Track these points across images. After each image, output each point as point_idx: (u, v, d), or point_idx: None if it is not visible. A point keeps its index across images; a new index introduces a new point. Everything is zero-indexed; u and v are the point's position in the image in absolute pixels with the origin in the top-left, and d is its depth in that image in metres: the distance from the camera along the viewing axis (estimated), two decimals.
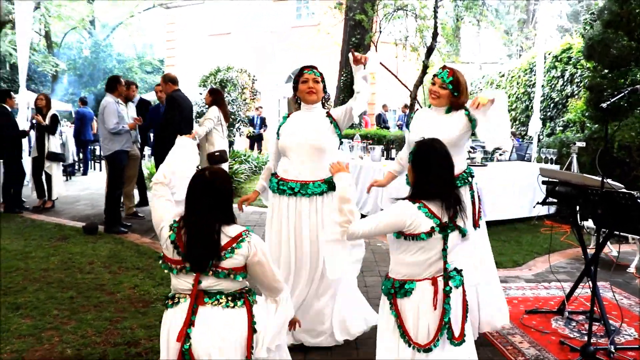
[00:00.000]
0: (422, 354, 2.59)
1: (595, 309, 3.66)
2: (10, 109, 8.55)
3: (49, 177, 8.71)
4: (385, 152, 9.42)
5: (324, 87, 3.76)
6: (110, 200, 7.18)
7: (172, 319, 2.49)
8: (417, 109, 3.90)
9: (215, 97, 7.88)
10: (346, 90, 13.28)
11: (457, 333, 2.65)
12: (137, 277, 5.19)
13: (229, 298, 2.51)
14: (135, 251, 6.18)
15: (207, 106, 8.08)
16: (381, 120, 16.42)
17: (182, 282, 2.50)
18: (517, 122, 16.47)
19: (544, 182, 4.44)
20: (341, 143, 3.87)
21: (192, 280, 2.47)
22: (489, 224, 7.27)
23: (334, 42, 14.48)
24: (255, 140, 17.23)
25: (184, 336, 2.41)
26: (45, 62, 26.30)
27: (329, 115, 3.70)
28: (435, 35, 12.89)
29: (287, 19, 22.30)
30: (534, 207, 4.63)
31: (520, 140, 13.52)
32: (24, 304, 4.40)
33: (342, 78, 13.44)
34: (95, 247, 6.27)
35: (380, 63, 13.57)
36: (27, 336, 3.82)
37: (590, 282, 3.87)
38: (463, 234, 2.69)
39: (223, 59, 22.08)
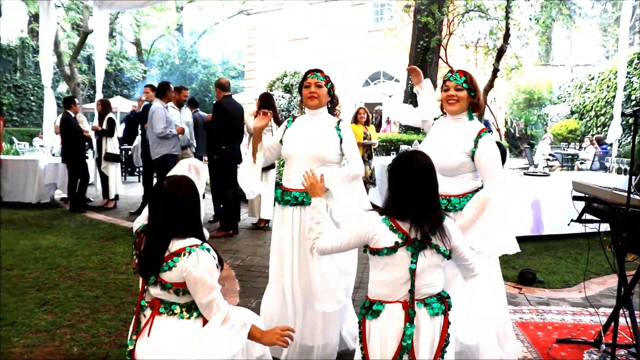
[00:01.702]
0: None
1: None
2: (74, 115, 9.04)
3: (106, 178, 9.17)
4: None
5: (330, 91, 3.61)
6: None
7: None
8: (437, 118, 3.65)
9: (264, 101, 7.94)
10: (414, 95, 13.03)
11: None
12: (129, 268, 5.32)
13: (184, 309, 2.51)
14: None
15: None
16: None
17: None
18: (605, 128, 15.61)
19: (574, 198, 4.07)
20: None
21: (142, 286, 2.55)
22: (547, 238, 6.96)
23: (404, 45, 14.28)
24: None
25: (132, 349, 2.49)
26: (134, 68, 27.56)
27: (339, 127, 3.53)
28: (506, 37, 12.44)
29: (365, 23, 22.26)
30: (569, 224, 4.24)
31: (608, 147, 12.80)
32: (51, 301, 4.60)
33: (409, 82, 13.20)
34: None
35: (449, 66, 13.26)
36: (43, 332, 3.98)
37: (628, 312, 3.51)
38: (445, 255, 2.48)
39: (301, 64, 22.52)
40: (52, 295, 4.74)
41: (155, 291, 2.52)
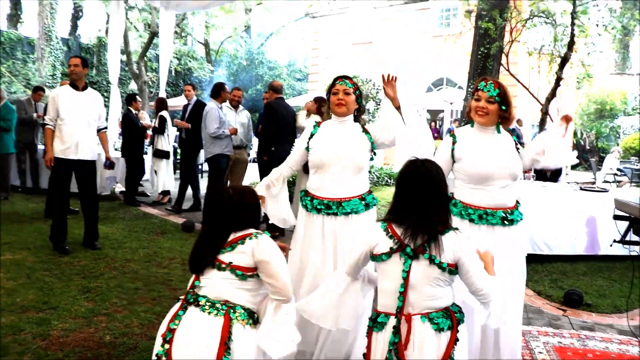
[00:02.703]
0: None
1: None
2: (135, 112, 9.40)
3: (155, 174, 9.52)
4: None
5: (358, 99, 3.57)
6: None
7: (169, 314, 2.61)
8: (457, 128, 3.60)
9: (319, 105, 8.01)
10: None
11: None
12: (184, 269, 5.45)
13: (208, 304, 2.54)
14: None
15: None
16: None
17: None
18: None
19: (615, 217, 3.90)
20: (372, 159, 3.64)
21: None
22: (603, 258, 6.63)
23: (465, 51, 14.04)
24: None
25: (167, 330, 2.51)
26: (201, 68, 28.27)
27: (365, 130, 3.53)
28: (571, 44, 12.04)
29: (429, 28, 22.05)
30: (611, 245, 4.07)
31: None
32: (93, 289, 4.82)
33: (470, 89, 12.99)
34: (185, 244, 6.66)
35: (511, 74, 12.97)
36: (81, 318, 4.18)
37: None
38: (443, 268, 2.43)
39: (364, 68, 22.53)
40: (95, 284, 4.96)
41: (206, 278, 2.60)
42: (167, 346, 2.46)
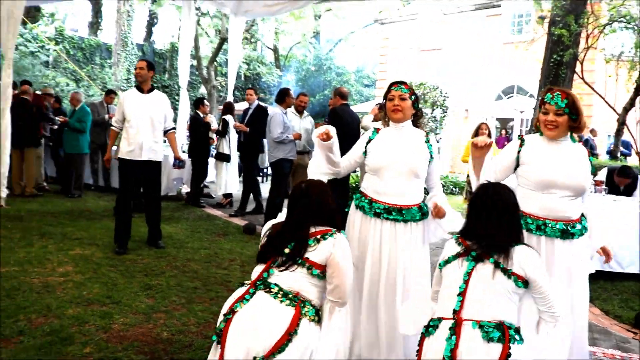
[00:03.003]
0: None
1: None
2: (202, 115, 9.64)
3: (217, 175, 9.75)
4: None
5: (415, 104, 3.53)
6: (270, 205, 7.67)
7: (233, 296, 2.65)
8: (524, 137, 3.50)
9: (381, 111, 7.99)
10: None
11: None
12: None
13: (281, 292, 2.55)
14: None
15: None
16: (588, 147, 14.98)
17: (255, 272, 2.70)
18: None
19: None
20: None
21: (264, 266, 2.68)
22: None
23: (536, 59, 13.66)
24: None
25: (229, 309, 2.54)
26: (270, 73, 28.71)
27: (428, 140, 3.47)
28: None
29: (500, 34, 21.58)
30: None
31: None
32: (154, 286, 4.96)
33: (539, 98, 12.61)
34: (245, 246, 6.77)
35: (586, 82, 12.52)
36: (141, 314, 4.31)
37: None
38: (508, 275, 2.45)
39: (433, 74, 22.29)
40: (156, 281, 5.10)
41: (279, 269, 2.63)
42: (223, 325, 2.49)
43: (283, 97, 7.92)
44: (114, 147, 7.01)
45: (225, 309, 2.59)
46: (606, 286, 5.95)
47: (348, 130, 7.62)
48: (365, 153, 3.55)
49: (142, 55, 25.34)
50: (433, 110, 12.94)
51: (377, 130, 3.61)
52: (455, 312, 2.44)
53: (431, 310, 2.71)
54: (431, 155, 3.44)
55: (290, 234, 2.65)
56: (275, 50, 32.30)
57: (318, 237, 2.60)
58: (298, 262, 2.59)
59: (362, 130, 7.79)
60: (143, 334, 3.97)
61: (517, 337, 2.44)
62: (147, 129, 6.04)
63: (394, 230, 3.36)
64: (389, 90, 3.53)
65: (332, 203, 2.80)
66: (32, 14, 21.51)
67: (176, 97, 27.37)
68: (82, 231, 6.83)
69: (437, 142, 16.76)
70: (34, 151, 9.25)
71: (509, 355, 2.35)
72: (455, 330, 2.39)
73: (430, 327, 2.51)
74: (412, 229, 3.37)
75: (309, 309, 2.56)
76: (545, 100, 3.12)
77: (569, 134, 3.15)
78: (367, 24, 33.51)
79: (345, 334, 2.66)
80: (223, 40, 17.11)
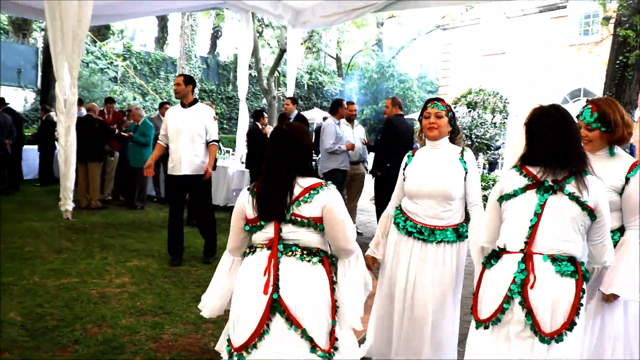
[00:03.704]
0: (481, 332, 2.43)
1: None
2: (261, 127, 9.79)
3: None
4: None
5: (451, 121, 3.47)
6: None
7: (251, 267, 2.56)
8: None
9: None
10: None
11: (546, 327, 2.29)
12: None
13: (305, 252, 2.53)
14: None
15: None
16: (632, 153, 14.24)
17: (261, 235, 2.58)
18: None
19: None
20: None
21: (272, 230, 2.55)
22: None
23: (601, 61, 13.17)
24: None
25: (271, 285, 2.44)
26: (331, 82, 28.91)
27: (462, 157, 3.39)
28: None
29: (566, 36, 20.92)
30: None
31: None
32: None
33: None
34: None
35: None
36: (190, 324, 4.44)
37: None
38: (584, 207, 2.33)
39: (496, 79, 21.85)
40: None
41: (285, 229, 2.55)
42: (277, 293, 2.45)
43: (336, 108, 7.96)
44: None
45: (252, 281, 2.51)
46: None
47: (403, 141, 7.62)
48: (404, 179, 3.52)
49: (207, 67, 26.06)
50: (493, 116, 12.66)
51: (413, 152, 3.58)
52: (525, 245, 2.38)
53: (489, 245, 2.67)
54: (466, 171, 3.37)
55: (283, 192, 2.52)
56: (337, 59, 32.50)
57: (311, 191, 2.52)
58: (298, 221, 2.53)
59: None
60: (191, 344, 4.09)
61: (587, 275, 2.42)
62: (186, 143, 6.04)
63: (425, 250, 3.35)
64: (424, 108, 3.50)
65: (312, 148, 2.75)
66: (102, 32, 22.52)
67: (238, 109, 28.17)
68: (141, 243, 7.07)
69: (500, 148, 16.38)
70: (97, 165, 9.65)
71: (583, 291, 2.35)
72: (526, 264, 2.35)
73: (492, 258, 2.49)
74: (445, 250, 3.32)
75: (332, 260, 2.63)
76: (577, 115, 3.00)
77: (608, 148, 3.00)
78: (430, 30, 33.31)
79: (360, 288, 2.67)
80: (283, 51, 17.36)
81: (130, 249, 6.75)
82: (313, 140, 9.55)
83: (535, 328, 2.29)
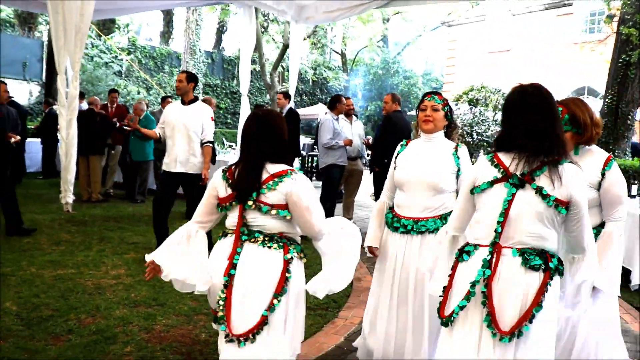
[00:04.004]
0: (448, 330, 2.37)
1: None
2: None
3: None
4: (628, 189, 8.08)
5: (447, 115, 3.48)
6: None
7: (219, 250, 2.74)
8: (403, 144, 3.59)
9: None
10: (609, 114, 11.98)
11: (505, 324, 2.23)
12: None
13: (266, 238, 2.64)
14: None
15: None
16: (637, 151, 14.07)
17: (231, 218, 2.72)
18: None
19: None
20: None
21: (237, 213, 2.67)
22: None
23: (604, 59, 13.15)
24: None
25: (230, 268, 2.61)
26: (336, 78, 28.93)
27: (456, 154, 3.38)
28: None
29: (571, 34, 20.86)
30: None
31: None
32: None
33: (607, 100, 12.15)
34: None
35: None
36: (183, 316, 4.50)
37: None
38: (549, 203, 2.24)
39: (501, 76, 21.81)
40: None
41: (249, 216, 2.66)
42: (224, 297, 2.60)
43: (334, 103, 8.01)
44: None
45: (218, 263, 2.67)
46: None
47: (402, 137, 7.60)
48: (395, 166, 3.54)
49: (212, 62, 26.12)
50: (495, 113, 12.66)
51: (406, 142, 3.60)
52: (494, 239, 2.32)
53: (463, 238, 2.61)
54: (458, 167, 3.36)
55: (250, 177, 2.62)
56: (342, 54, 32.50)
57: (275, 179, 2.61)
58: (262, 208, 2.62)
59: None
60: (182, 335, 4.15)
61: (559, 267, 2.35)
62: (183, 141, 5.95)
63: (409, 244, 3.37)
64: (422, 101, 3.51)
65: (286, 135, 2.80)
66: (108, 26, 22.61)
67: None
68: (140, 235, 7.15)
69: None
70: (98, 159, 9.73)
71: (548, 284, 2.28)
72: (494, 257, 2.30)
73: (465, 253, 2.42)
74: (429, 240, 3.30)
75: (295, 246, 2.73)
76: None
77: (574, 148, 3.02)
78: (435, 26, 33.22)
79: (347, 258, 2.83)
80: (286, 46, 17.40)
81: (129, 241, 6.83)
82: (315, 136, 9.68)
83: (493, 326, 2.23)
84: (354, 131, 8.44)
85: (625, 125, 11.88)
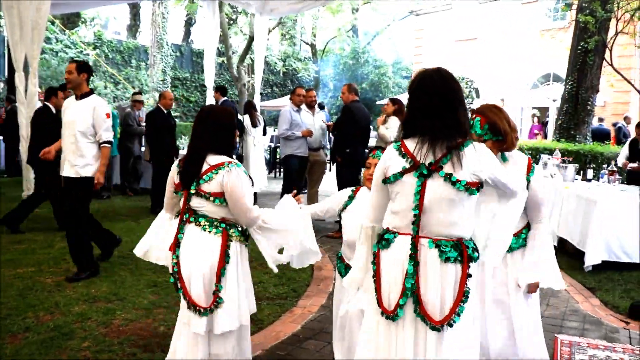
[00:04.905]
0: (388, 324, 2.33)
1: None
2: None
3: None
4: (583, 172, 8.33)
5: None
6: None
7: (171, 231, 3.05)
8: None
9: (399, 106, 7.99)
10: (570, 100, 12.24)
11: (435, 314, 2.25)
12: (270, 275, 5.60)
13: (208, 223, 2.90)
14: None
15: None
16: (622, 135, 14.54)
17: (181, 202, 3.02)
18: None
19: None
20: None
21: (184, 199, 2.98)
22: None
23: (565, 47, 13.41)
24: None
25: (175, 246, 2.94)
26: (305, 69, 28.92)
27: None
28: None
29: (537, 22, 21.13)
30: None
31: None
32: (160, 283, 5.19)
33: (567, 86, 12.42)
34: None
35: (614, 69, 12.23)
36: (143, 309, 4.55)
37: None
38: (460, 189, 2.22)
39: (468, 65, 22.04)
40: (163, 278, 5.32)
41: (194, 203, 2.93)
42: (175, 260, 2.92)
43: (291, 94, 8.13)
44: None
45: (166, 247, 3.02)
46: (613, 277, 5.93)
47: (360, 127, 7.77)
48: (340, 216, 3.50)
49: (181, 55, 25.89)
50: None
51: (354, 193, 3.47)
52: (413, 230, 2.29)
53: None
54: None
55: (192, 167, 2.90)
56: (312, 45, 32.46)
57: (213, 171, 2.86)
58: (202, 195, 2.88)
59: (375, 133, 7.87)
60: (141, 328, 4.20)
61: (474, 255, 2.34)
62: (68, 140, 5.28)
63: (361, 292, 3.14)
64: (367, 156, 3.45)
65: (231, 129, 3.02)
66: (72, 20, 22.28)
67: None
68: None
69: None
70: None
71: (469, 276, 2.29)
72: (414, 251, 2.28)
73: (384, 241, 2.39)
74: None
75: (234, 230, 2.95)
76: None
77: (498, 154, 3.03)
78: (404, 16, 33.32)
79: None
80: (252, 38, 17.37)
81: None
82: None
83: (425, 318, 2.24)
84: (317, 122, 8.50)
85: (585, 110, 12.16)
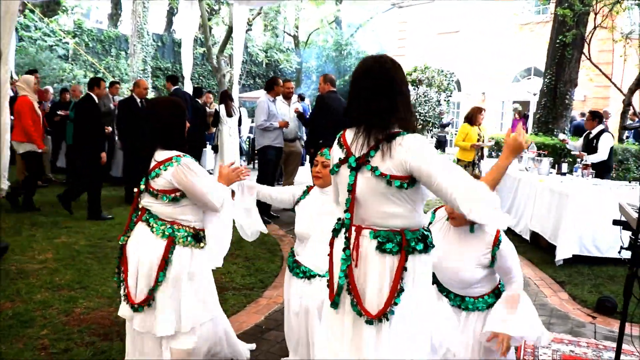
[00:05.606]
0: (333, 313, 2.30)
1: None
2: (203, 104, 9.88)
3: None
4: (558, 166, 8.33)
5: None
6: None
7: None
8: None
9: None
10: (548, 94, 12.30)
11: (373, 307, 2.18)
12: (238, 265, 5.63)
13: (155, 225, 2.86)
14: (261, 242, 6.30)
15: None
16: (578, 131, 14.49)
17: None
18: None
19: (614, 222, 3.61)
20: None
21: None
22: None
23: (544, 41, 13.47)
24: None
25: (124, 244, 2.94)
26: (288, 60, 28.82)
27: None
28: None
29: (518, 17, 21.20)
30: (619, 252, 3.76)
31: None
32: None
33: (546, 80, 12.48)
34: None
35: (592, 63, 12.32)
36: (105, 298, 4.53)
37: None
38: (388, 182, 2.11)
39: (450, 58, 22.09)
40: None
41: (145, 200, 2.91)
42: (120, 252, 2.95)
43: (271, 85, 8.02)
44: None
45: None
46: (583, 271, 5.96)
47: (335, 117, 7.71)
48: (294, 210, 3.50)
49: (162, 45, 25.65)
50: (439, 94, 12.84)
51: (308, 189, 3.49)
52: (347, 226, 2.24)
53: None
54: None
55: (139, 164, 2.96)
56: (295, 37, 32.35)
57: (161, 166, 2.81)
58: (152, 192, 2.85)
59: None
60: (103, 317, 4.17)
61: (418, 247, 2.22)
62: None
63: (308, 287, 3.25)
64: (315, 154, 3.45)
65: (178, 122, 2.93)
66: (52, 8, 21.97)
67: (195, 86, 27.79)
68: (74, 220, 7.09)
69: (448, 125, 16.56)
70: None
71: (405, 269, 2.19)
72: (351, 241, 2.24)
73: (334, 231, 2.38)
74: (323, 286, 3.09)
75: (182, 235, 2.87)
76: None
77: (468, 224, 2.91)
78: (387, 8, 33.29)
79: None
80: (232, 29, 17.25)
81: (62, 226, 6.76)
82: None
83: (361, 311, 2.19)
84: (292, 113, 8.47)
85: (564, 104, 12.22)
